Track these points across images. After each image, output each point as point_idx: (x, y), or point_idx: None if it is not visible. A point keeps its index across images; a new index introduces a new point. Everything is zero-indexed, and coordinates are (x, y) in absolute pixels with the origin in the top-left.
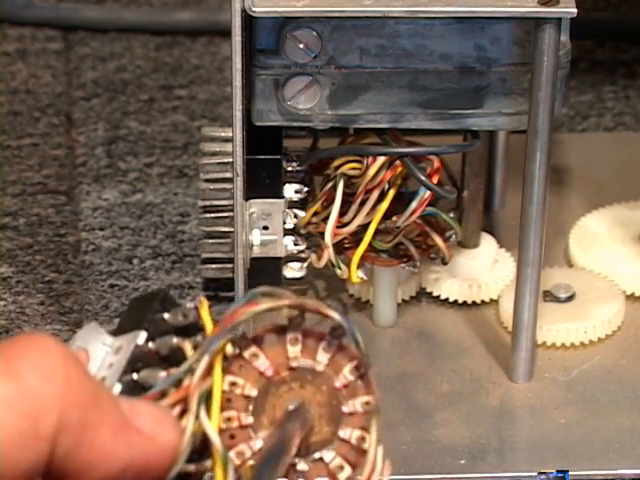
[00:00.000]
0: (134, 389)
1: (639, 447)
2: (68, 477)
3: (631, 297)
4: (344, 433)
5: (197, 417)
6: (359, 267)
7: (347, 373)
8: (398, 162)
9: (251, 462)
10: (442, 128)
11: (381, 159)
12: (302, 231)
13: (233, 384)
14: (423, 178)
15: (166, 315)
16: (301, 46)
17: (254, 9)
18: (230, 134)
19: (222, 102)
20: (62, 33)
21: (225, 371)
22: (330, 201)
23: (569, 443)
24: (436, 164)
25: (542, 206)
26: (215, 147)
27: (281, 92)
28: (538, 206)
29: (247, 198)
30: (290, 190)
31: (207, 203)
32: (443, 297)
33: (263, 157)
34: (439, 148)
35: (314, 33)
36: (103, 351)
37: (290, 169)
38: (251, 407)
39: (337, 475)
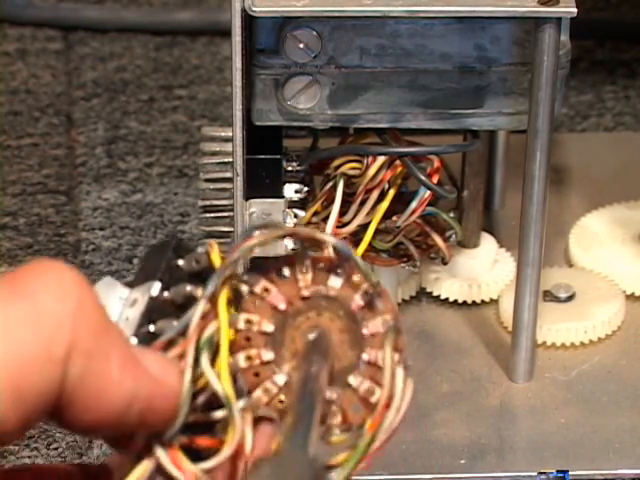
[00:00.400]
0: (150, 341)
1: (639, 447)
2: (76, 406)
3: (631, 297)
4: (368, 355)
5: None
6: None
7: (360, 296)
8: (398, 162)
9: (280, 397)
10: (442, 128)
11: (381, 159)
12: None
13: (248, 322)
14: (423, 178)
15: (180, 262)
16: (301, 46)
17: (254, 9)
18: (230, 134)
19: (222, 102)
20: (62, 33)
21: (239, 309)
22: (330, 201)
23: (569, 443)
24: (436, 164)
25: (542, 206)
26: (215, 147)
27: (281, 92)
28: (538, 206)
29: (247, 198)
30: (290, 190)
31: (207, 203)
32: (443, 297)
33: (263, 157)
34: (439, 148)
35: (314, 33)
36: (120, 305)
37: (290, 169)
38: (270, 342)
39: (369, 399)
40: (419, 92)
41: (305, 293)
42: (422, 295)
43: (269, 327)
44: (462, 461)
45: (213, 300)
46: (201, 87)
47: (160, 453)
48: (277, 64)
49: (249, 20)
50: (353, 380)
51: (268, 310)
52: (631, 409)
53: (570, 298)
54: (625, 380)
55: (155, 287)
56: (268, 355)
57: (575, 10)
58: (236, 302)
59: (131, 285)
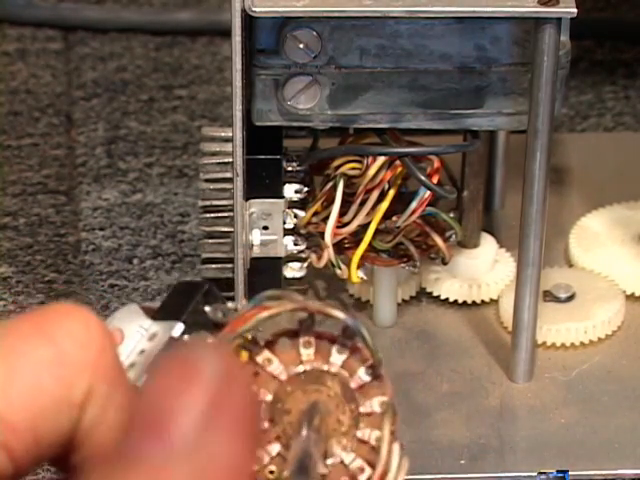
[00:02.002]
0: None
1: (639, 447)
2: (82, 453)
3: (631, 297)
4: (362, 434)
5: None
6: (359, 267)
7: (362, 374)
8: (398, 162)
9: (271, 468)
10: (442, 128)
11: (381, 159)
12: (302, 231)
13: None
14: (423, 178)
15: (207, 308)
16: (301, 46)
17: (254, 9)
18: (230, 134)
19: (222, 102)
20: (62, 33)
21: None
22: (330, 201)
23: (569, 443)
24: (436, 164)
25: (542, 206)
26: (215, 147)
27: (281, 92)
28: (538, 206)
29: (247, 198)
30: (290, 190)
31: (207, 203)
32: (443, 297)
33: (263, 157)
34: (439, 148)
35: (314, 33)
36: (138, 334)
37: (290, 169)
38: (266, 412)
39: (357, 477)
40: (419, 92)
41: (306, 367)
42: (422, 295)
43: (268, 397)
44: (462, 461)
45: None
46: (201, 87)
47: None
48: (277, 64)
49: (249, 20)
50: (345, 456)
51: (268, 380)
52: (631, 409)
53: (570, 298)
54: (625, 380)
55: (178, 328)
56: (264, 424)
57: (575, 10)
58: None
59: (154, 317)
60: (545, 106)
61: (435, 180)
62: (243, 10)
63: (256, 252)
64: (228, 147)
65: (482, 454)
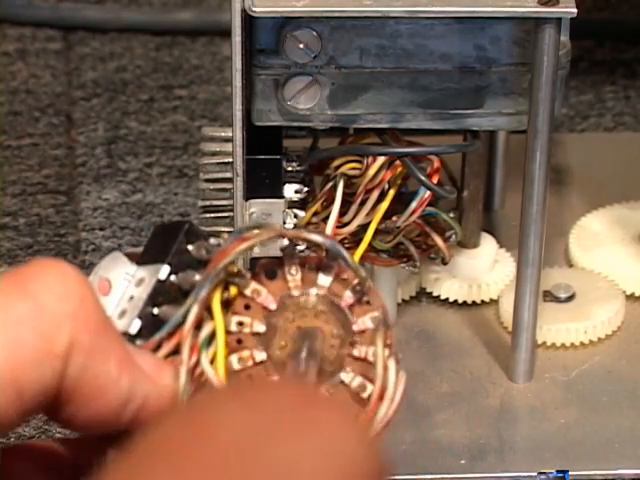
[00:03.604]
0: (154, 324)
1: (639, 447)
2: (74, 402)
3: (631, 297)
4: (358, 352)
5: (199, 365)
6: None
7: (350, 293)
8: (398, 162)
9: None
10: (442, 128)
11: (381, 159)
12: None
13: (240, 324)
14: (423, 178)
15: (190, 247)
16: (301, 46)
17: (254, 9)
18: (230, 134)
19: (222, 102)
20: (62, 33)
21: (230, 312)
22: (330, 201)
23: (569, 443)
24: (436, 164)
25: (542, 206)
26: (215, 147)
27: (281, 92)
28: (538, 206)
29: (247, 198)
30: (290, 190)
31: (207, 203)
32: (443, 297)
33: (263, 157)
34: (439, 148)
35: (314, 33)
36: (125, 281)
37: (290, 169)
38: (262, 343)
39: (361, 394)
40: (419, 92)
41: (295, 293)
42: (422, 295)
43: (261, 328)
44: (462, 461)
45: (206, 301)
46: (201, 87)
47: None
48: (277, 64)
49: (249, 20)
50: (345, 376)
51: (259, 311)
52: (631, 409)
53: (570, 298)
54: (625, 380)
55: (164, 271)
56: (261, 355)
57: (575, 10)
58: (226, 303)
59: (138, 262)
60: (545, 106)
61: (435, 180)
62: (243, 10)
63: (256, 252)
64: (228, 147)
65: (482, 454)
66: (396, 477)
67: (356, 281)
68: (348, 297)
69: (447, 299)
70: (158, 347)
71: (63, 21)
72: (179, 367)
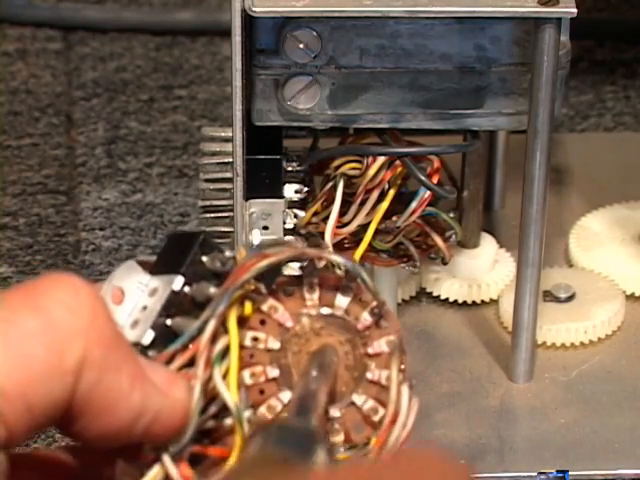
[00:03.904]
0: (166, 335)
1: (639, 447)
2: (85, 417)
3: (631, 297)
4: (372, 375)
5: (212, 379)
6: None
7: (367, 315)
8: (398, 162)
9: (285, 415)
10: (442, 128)
11: (381, 159)
12: (302, 231)
13: (255, 339)
14: (423, 178)
15: (204, 258)
16: (301, 46)
17: (254, 9)
18: (230, 134)
19: (222, 102)
20: (62, 33)
21: (246, 327)
22: (330, 201)
23: (569, 443)
24: (436, 164)
25: (542, 206)
26: (215, 147)
27: (281, 92)
28: (538, 206)
29: (247, 198)
30: (290, 190)
31: (207, 203)
32: (443, 297)
33: (263, 157)
34: (439, 148)
35: (314, 33)
36: (139, 290)
37: (290, 169)
38: (275, 360)
39: (372, 417)
40: (419, 92)
41: (312, 312)
42: (422, 295)
43: (275, 344)
44: (462, 461)
45: (223, 316)
46: (201, 87)
47: (169, 465)
48: (277, 64)
49: (249, 20)
50: (357, 398)
51: (275, 328)
52: (631, 409)
53: (570, 298)
54: (625, 380)
55: (178, 282)
56: (274, 372)
57: (575, 10)
58: (241, 318)
59: (151, 271)
60: (545, 106)
61: (435, 180)
62: (243, 10)
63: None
64: (228, 147)
65: (482, 454)
66: None
67: (374, 303)
68: (365, 319)
69: (447, 299)
70: (171, 359)
71: (63, 21)
72: (193, 380)
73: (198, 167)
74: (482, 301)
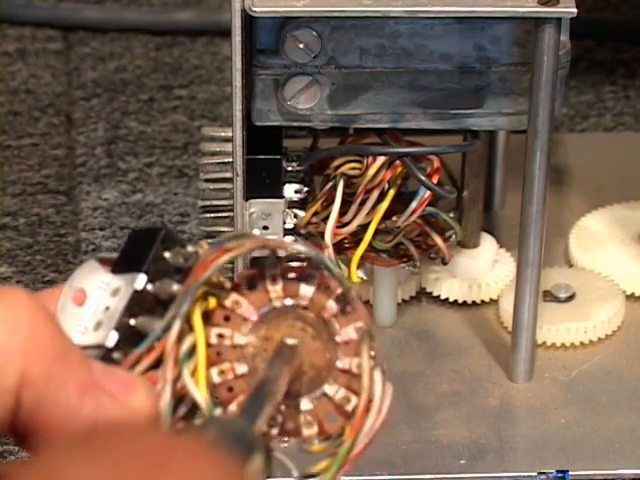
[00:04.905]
0: (131, 335)
1: (639, 447)
2: (34, 434)
3: (631, 297)
4: (342, 363)
5: (180, 378)
6: (359, 267)
7: (333, 303)
8: (398, 162)
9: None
10: (442, 128)
11: (381, 159)
12: (302, 231)
13: (220, 336)
14: (423, 178)
15: (167, 254)
16: (301, 46)
17: (254, 9)
18: (230, 134)
19: (222, 102)
20: (62, 33)
21: (210, 324)
22: (330, 201)
23: (569, 443)
24: (436, 164)
25: (542, 206)
26: (215, 147)
27: (281, 92)
28: (538, 206)
29: (247, 198)
30: (290, 190)
31: (207, 203)
32: (443, 297)
33: (263, 157)
34: (439, 148)
35: (314, 33)
36: (101, 290)
37: (290, 169)
38: (243, 356)
39: (344, 407)
40: (419, 92)
41: (276, 304)
42: (422, 295)
43: (242, 340)
44: (462, 461)
45: (187, 315)
46: (201, 87)
47: None
48: (277, 64)
49: (249, 20)
50: (328, 389)
51: (240, 323)
52: (631, 409)
53: (570, 298)
54: (625, 380)
55: (140, 280)
56: (242, 369)
57: (575, 10)
58: (205, 314)
59: (113, 270)
60: (545, 106)
61: (435, 180)
62: (243, 10)
63: (256, 252)
64: (228, 147)
65: (482, 454)
66: (396, 477)
67: (339, 291)
68: (331, 307)
69: (447, 299)
70: (137, 362)
71: (63, 21)
72: (161, 383)
73: (198, 167)
74: (482, 301)
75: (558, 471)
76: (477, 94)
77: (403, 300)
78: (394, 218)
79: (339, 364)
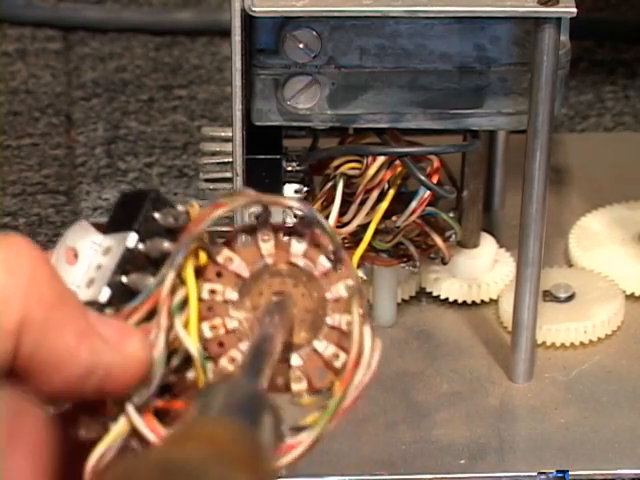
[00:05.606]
0: (123, 292)
1: (639, 447)
2: (32, 377)
3: (631, 297)
4: (332, 320)
5: (172, 330)
6: (359, 267)
7: (324, 260)
8: (398, 162)
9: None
10: (442, 128)
11: (381, 159)
12: None
13: (212, 291)
14: (423, 178)
15: (156, 215)
16: (301, 46)
17: (254, 9)
18: (230, 134)
19: (222, 102)
20: (62, 33)
21: (202, 279)
22: (330, 201)
23: (569, 443)
24: (436, 164)
25: (542, 206)
26: (215, 147)
27: (281, 92)
28: (538, 206)
29: None
30: (290, 190)
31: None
32: (443, 297)
33: (263, 157)
34: (439, 148)
35: (314, 33)
36: (92, 250)
37: (290, 169)
38: (234, 311)
39: (333, 363)
40: (419, 92)
41: (268, 260)
42: (422, 295)
43: (233, 295)
44: (462, 461)
45: (179, 268)
46: (201, 87)
47: (134, 417)
48: (277, 64)
49: (249, 20)
50: (318, 345)
51: (231, 279)
52: (631, 409)
53: (570, 298)
54: (625, 380)
55: (131, 238)
56: (232, 324)
57: (575, 10)
58: (197, 270)
59: (104, 231)
60: (545, 106)
61: (435, 180)
62: (243, 10)
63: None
64: (228, 147)
65: (482, 454)
66: (396, 477)
67: (330, 248)
68: (322, 264)
69: (447, 299)
70: (129, 316)
71: (63, 21)
72: (155, 330)
73: (198, 167)
74: (482, 301)
75: (558, 471)
76: (477, 94)
77: (403, 300)
78: (394, 218)
79: (329, 321)
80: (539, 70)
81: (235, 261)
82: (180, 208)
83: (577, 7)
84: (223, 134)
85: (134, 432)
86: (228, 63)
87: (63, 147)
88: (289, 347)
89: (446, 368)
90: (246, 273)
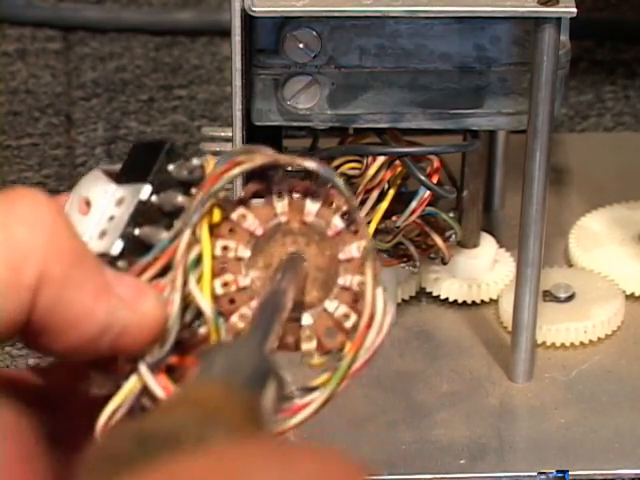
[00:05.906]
0: (135, 245)
1: (639, 447)
2: (47, 334)
3: (631, 297)
4: (344, 281)
5: (185, 287)
6: None
7: (337, 221)
8: (398, 162)
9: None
10: (442, 128)
11: (381, 159)
12: None
13: (225, 248)
14: (423, 178)
15: (170, 167)
16: (301, 46)
17: (254, 9)
18: (230, 134)
19: (222, 102)
20: (62, 33)
21: (215, 236)
22: None
23: (569, 443)
24: (436, 164)
25: (542, 206)
26: (215, 147)
27: (281, 92)
28: (538, 206)
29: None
30: None
31: None
32: (443, 297)
33: None
34: (439, 148)
35: (314, 33)
36: (105, 200)
37: (290, 169)
38: (247, 268)
39: (343, 324)
40: (419, 92)
41: (282, 219)
42: (422, 295)
43: (245, 253)
44: (462, 461)
45: (196, 225)
46: (201, 87)
47: (146, 375)
48: (277, 64)
49: (249, 20)
50: (329, 305)
51: (245, 236)
52: (631, 409)
53: (570, 298)
54: (625, 380)
55: (145, 191)
56: (245, 281)
57: (575, 10)
58: (212, 226)
59: (117, 180)
60: (545, 106)
61: (435, 180)
62: (243, 10)
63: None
64: (228, 147)
65: (482, 454)
66: (396, 477)
67: (345, 208)
68: (336, 224)
69: (447, 299)
70: (143, 271)
71: (63, 21)
72: (170, 289)
73: None
74: (482, 301)
75: (558, 471)
76: (477, 94)
77: (403, 300)
78: (394, 218)
79: (340, 281)
80: (539, 70)
81: (249, 218)
82: (195, 162)
83: (577, 7)
84: (223, 134)
85: (145, 390)
86: (228, 63)
87: (63, 147)
88: (301, 306)
89: (446, 368)
90: (259, 231)
